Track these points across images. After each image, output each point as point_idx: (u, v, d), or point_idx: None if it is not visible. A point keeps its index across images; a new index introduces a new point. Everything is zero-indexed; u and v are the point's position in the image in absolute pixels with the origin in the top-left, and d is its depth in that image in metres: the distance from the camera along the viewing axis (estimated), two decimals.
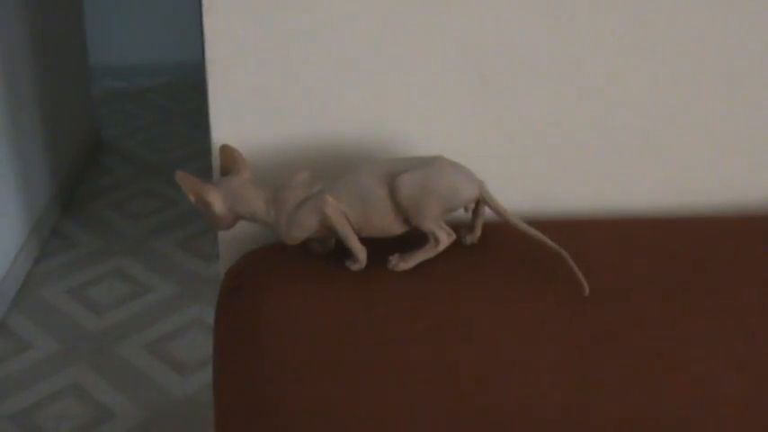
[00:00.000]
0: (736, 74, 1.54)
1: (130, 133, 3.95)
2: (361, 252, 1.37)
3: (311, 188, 1.38)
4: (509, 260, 1.39)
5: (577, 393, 1.13)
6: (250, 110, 1.50)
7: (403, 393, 1.13)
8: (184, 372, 2.45)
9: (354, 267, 1.38)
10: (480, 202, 1.40)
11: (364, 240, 1.45)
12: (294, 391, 1.14)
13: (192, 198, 1.39)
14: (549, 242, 1.35)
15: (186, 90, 4.41)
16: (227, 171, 1.41)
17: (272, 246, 1.47)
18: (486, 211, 1.58)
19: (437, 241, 1.36)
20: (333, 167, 1.54)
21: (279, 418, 1.11)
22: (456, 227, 1.47)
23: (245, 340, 1.27)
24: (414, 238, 1.44)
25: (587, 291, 1.31)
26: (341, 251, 1.43)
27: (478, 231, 1.44)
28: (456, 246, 1.43)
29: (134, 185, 3.49)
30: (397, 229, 1.38)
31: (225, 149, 1.41)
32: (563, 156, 1.57)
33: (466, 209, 1.41)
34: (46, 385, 2.40)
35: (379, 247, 1.42)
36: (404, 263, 1.37)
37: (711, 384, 1.15)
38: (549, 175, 1.59)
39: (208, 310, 2.74)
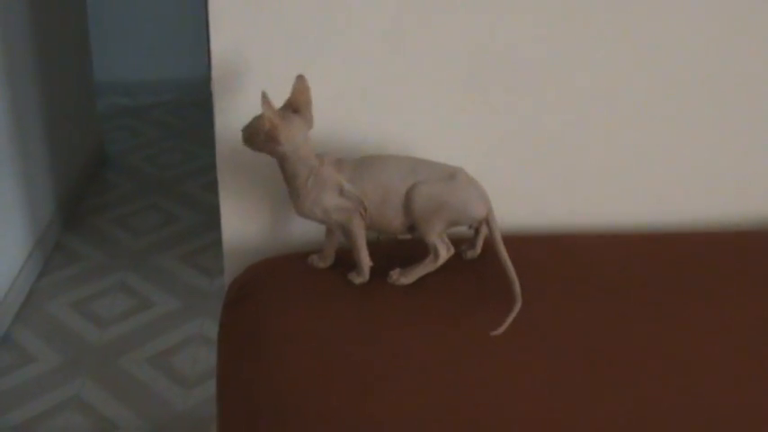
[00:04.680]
0: (735, 85, 1.56)
1: (134, 149, 3.97)
2: (366, 266, 1.39)
3: (339, 172, 1.36)
4: (506, 276, 1.41)
5: (568, 401, 1.15)
6: None
7: (406, 405, 1.15)
8: (186, 385, 2.47)
9: (357, 281, 1.40)
10: (483, 222, 1.41)
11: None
12: (296, 401, 1.16)
13: (265, 123, 1.30)
14: (517, 287, 1.33)
15: (190, 106, 4.43)
16: (294, 106, 1.35)
17: (275, 258, 1.49)
18: None
19: (437, 255, 1.38)
20: None
21: (281, 428, 1.12)
22: (457, 242, 1.49)
23: (248, 350, 1.28)
24: (413, 252, 1.46)
25: (495, 333, 1.28)
26: (341, 265, 1.45)
27: (479, 248, 1.46)
28: (456, 260, 1.45)
29: (137, 201, 3.51)
30: (400, 232, 1.39)
31: (301, 81, 1.35)
32: (561, 169, 1.59)
33: (470, 226, 1.43)
34: (49, 398, 2.41)
35: (381, 262, 1.44)
36: (404, 278, 1.39)
37: (699, 395, 1.17)
38: (547, 189, 1.61)
39: (210, 325, 2.75)
